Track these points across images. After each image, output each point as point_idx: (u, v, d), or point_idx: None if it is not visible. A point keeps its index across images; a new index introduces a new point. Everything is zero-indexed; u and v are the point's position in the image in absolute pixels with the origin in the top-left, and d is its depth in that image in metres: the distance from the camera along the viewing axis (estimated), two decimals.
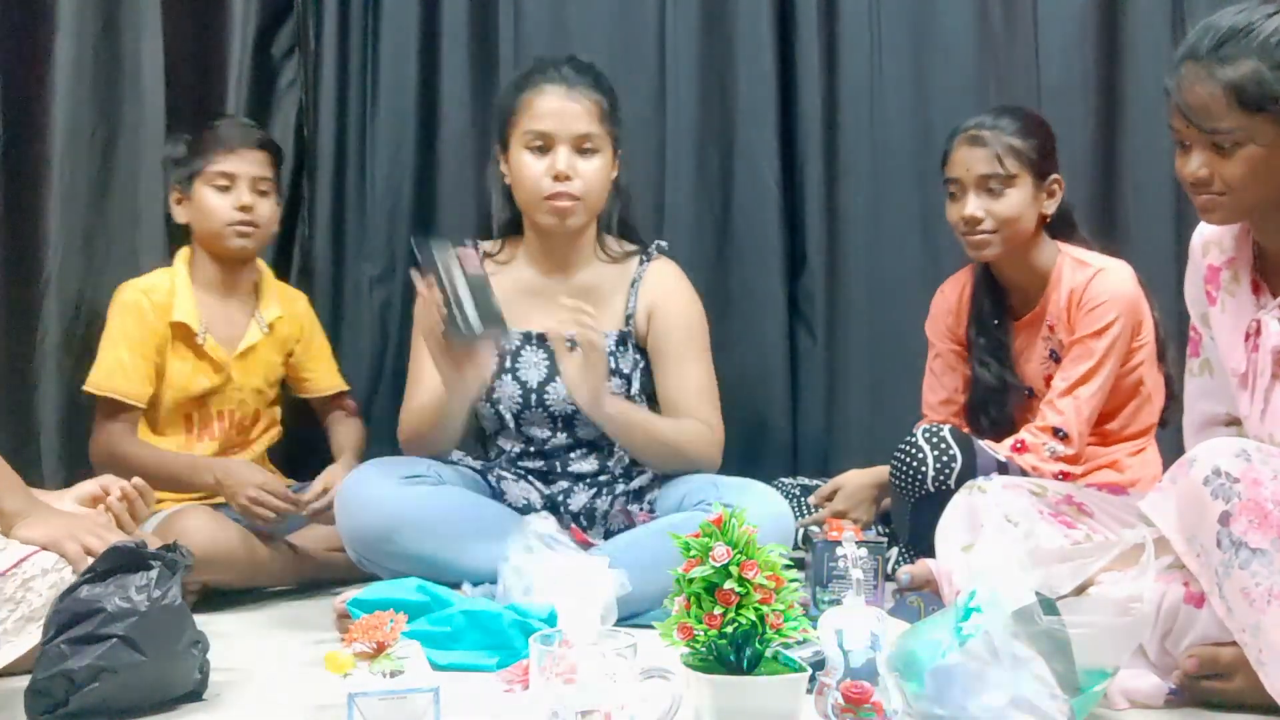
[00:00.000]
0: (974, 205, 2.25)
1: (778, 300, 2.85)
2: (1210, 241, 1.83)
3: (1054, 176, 2.28)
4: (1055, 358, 2.30)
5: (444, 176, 2.93)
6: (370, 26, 2.94)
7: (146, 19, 2.76)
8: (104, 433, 2.40)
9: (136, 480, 1.95)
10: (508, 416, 2.32)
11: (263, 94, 2.91)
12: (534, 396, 2.29)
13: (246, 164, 2.50)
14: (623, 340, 2.32)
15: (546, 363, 2.29)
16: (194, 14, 2.83)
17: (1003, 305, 2.38)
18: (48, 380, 2.66)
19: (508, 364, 2.29)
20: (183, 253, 2.54)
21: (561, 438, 2.33)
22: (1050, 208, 2.28)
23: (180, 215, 2.52)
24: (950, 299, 2.47)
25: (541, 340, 2.28)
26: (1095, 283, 2.22)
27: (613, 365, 2.27)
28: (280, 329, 2.60)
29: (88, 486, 1.94)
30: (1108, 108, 2.78)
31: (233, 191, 2.47)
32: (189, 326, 2.45)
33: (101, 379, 2.40)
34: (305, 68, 2.95)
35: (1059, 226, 2.34)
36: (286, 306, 2.63)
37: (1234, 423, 1.82)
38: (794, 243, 2.88)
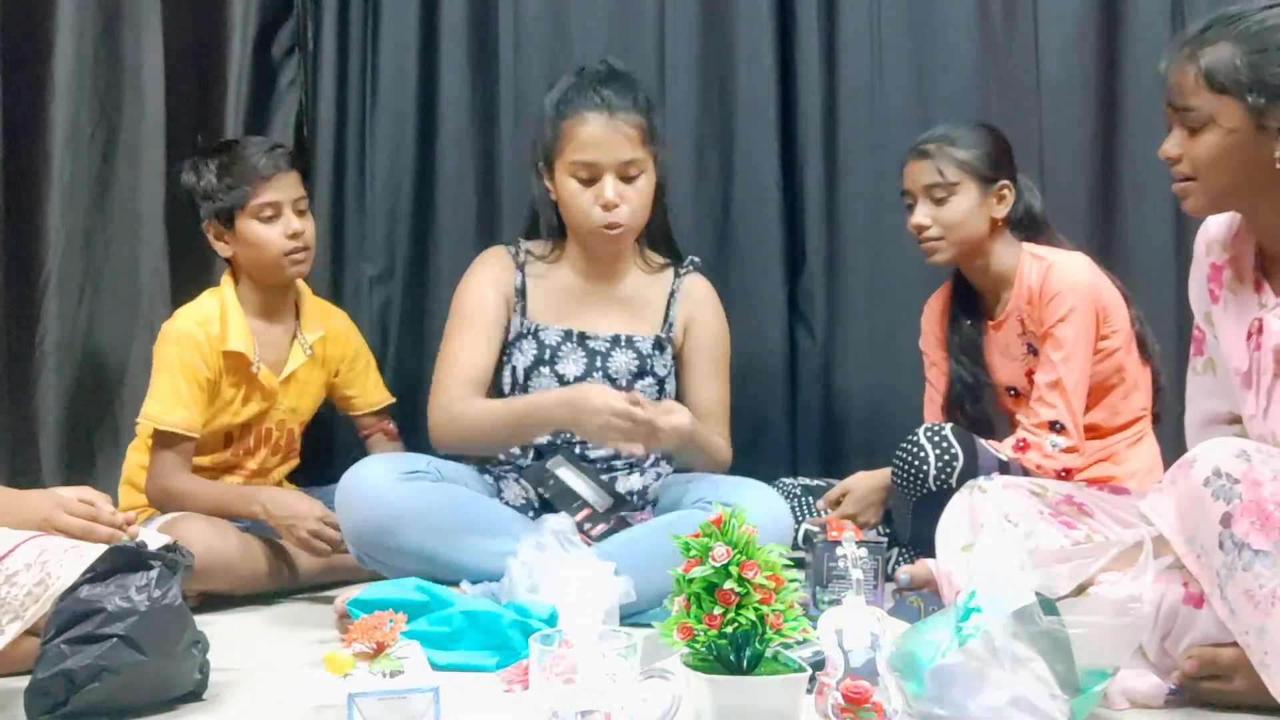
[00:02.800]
0: (920, 214, 2.36)
1: (778, 300, 2.85)
2: (1214, 240, 1.84)
3: (1003, 183, 2.35)
4: (1034, 351, 2.34)
5: (443, 176, 2.93)
6: (370, 26, 2.94)
7: (146, 19, 2.77)
8: (160, 466, 2.35)
9: (129, 514, 1.94)
10: None
11: (263, 94, 2.91)
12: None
13: (286, 188, 2.42)
14: (659, 345, 2.39)
15: (584, 360, 2.34)
16: (194, 14, 2.83)
17: (976, 307, 2.45)
18: (48, 380, 2.66)
19: (546, 356, 2.33)
20: (227, 278, 2.48)
21: None
22: (1000, 212, 2.35)
23: (225, 250, 2.44)
24: (935, 310, 2.54)
25: (582, 339, 2.35)
26: (1049, 275, 2.28)
27: (648, 367, 2.36)
28: (321, 350, 2.56)
29: (66, 494, 1.93)
30: (1107, 107, 2.78)
31: (280, 220, 2.41)
32: (244, 355, 2.41)
33: (161, 411, 2.34)
34: (305, 68, 2.95)
35: (1028, 229, 2.40)
36: (327, 325, 2.58)
37: (1236, 421, 1.82)
38: (794, 243, 2.88)
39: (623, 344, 2.35)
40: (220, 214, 2.42)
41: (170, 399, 2.34)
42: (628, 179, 2.26)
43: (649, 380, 2.35)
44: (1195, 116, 1.68)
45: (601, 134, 2.23)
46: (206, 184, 2.42)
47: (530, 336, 2.35)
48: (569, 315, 2.37)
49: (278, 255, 2.41)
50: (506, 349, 2.36)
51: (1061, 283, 2.26)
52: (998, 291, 2.39)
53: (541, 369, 2.32)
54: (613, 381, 2.32)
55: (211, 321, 2.40)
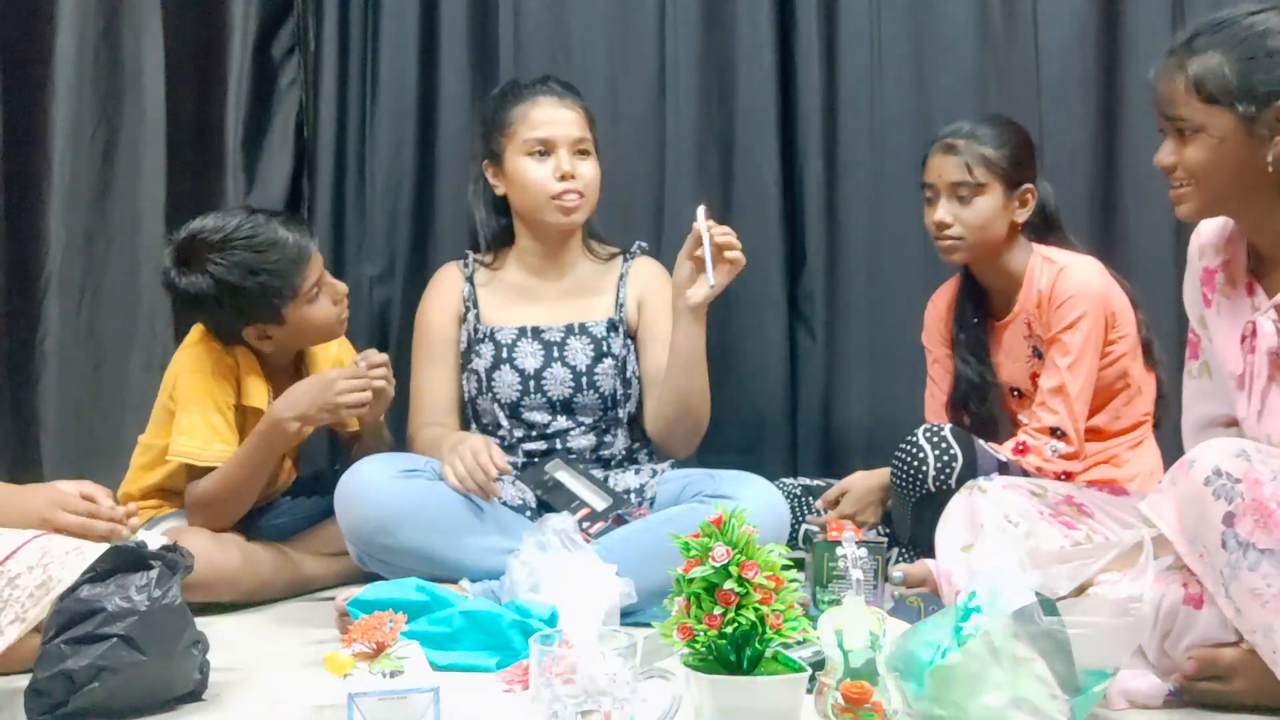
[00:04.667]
0: (943, 211, 2.31)
1: (778, 300, 2.85)
2: (1206, 244, 1.84)
3: (1027, 186, 2.32)
4: (1039, 354, 2.32)
5: (444, 176, 2.93)
6: (370, 26, 2.93)
7: (146, 19, 2.77)
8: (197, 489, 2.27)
9: (131, 506, 1.94)
10: (504, 411, 2.39)
11: (263, 94, 2.91)
12: (532, 383, 2.38)
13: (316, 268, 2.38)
14: (613, 327, 2.44)
15: (542, 352, 2.40)
16: (194, 14, 2.83)
17: (983, 306, 2.43)
18: (48, 380, 2.67)
19: (504, 355, 2.39)
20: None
21: (561, 420, 2.39)
22: (1022, 216, 2.32)
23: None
24: (940, 306, 2.52)
25: (536, 333, 2.42)
26: (1060, 279, 2.26)
27: (605, 350, 2.41)
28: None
29: (68, 489, 1.93)
30: (1107, 107, 2.78)
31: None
32: (260, 410, 2.31)
33: (198, 449, 2.24)
34: (305, 68, 2.95)
35: (1042, 229, 2.38)
36: (324, 353, 2.50)
37: (1233, 424, 1.82)
38: (794, 243, 2.88)
39: (576, 332, 2.41)
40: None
41: (206, 434, 2.26)
42: (579, 155, 2.38)
43: (609, 362, 2.40)
44: (1187, 125, 1.67)
45: (554, 113, 2.38)
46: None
47: (487, 339, 2.42)
48: (521, 313, 2.44)
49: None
50: (465, 355, 2.44)
51: (1072, 288, 2.23)
52: (1007, 291, 2.36)
53: (501, 367, 2.39)
54: (572, 370, 2.37)
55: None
